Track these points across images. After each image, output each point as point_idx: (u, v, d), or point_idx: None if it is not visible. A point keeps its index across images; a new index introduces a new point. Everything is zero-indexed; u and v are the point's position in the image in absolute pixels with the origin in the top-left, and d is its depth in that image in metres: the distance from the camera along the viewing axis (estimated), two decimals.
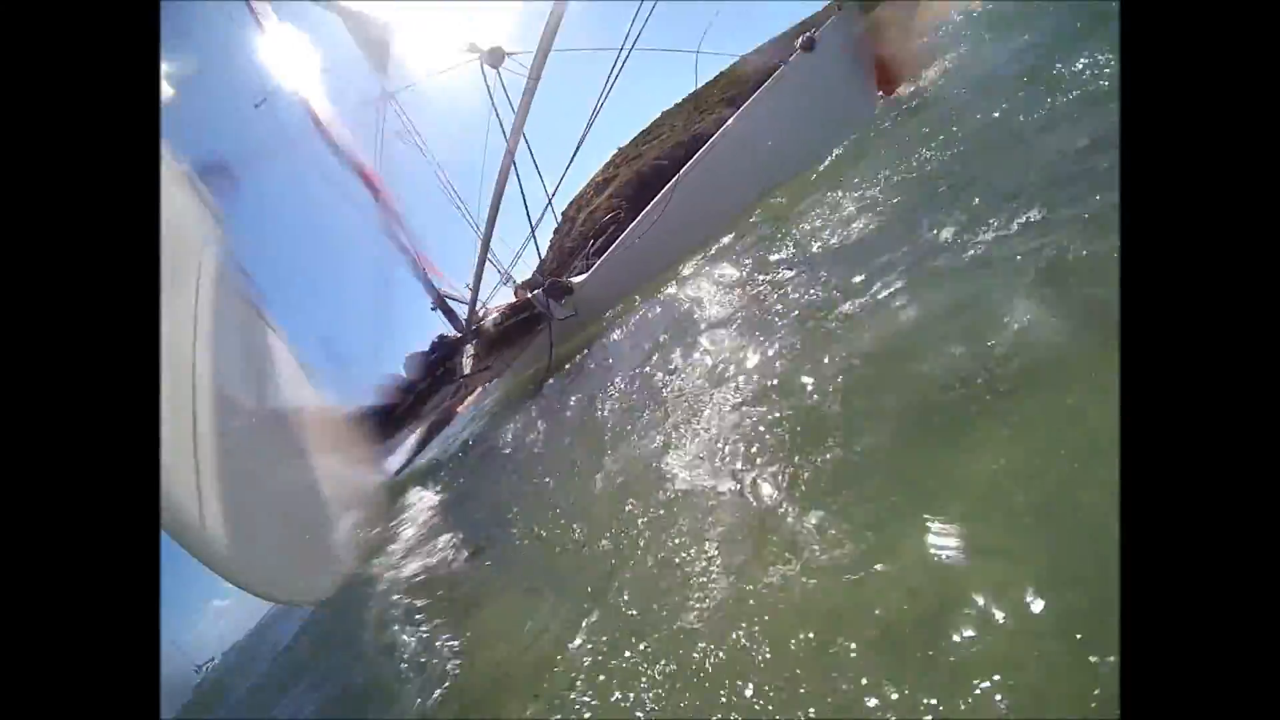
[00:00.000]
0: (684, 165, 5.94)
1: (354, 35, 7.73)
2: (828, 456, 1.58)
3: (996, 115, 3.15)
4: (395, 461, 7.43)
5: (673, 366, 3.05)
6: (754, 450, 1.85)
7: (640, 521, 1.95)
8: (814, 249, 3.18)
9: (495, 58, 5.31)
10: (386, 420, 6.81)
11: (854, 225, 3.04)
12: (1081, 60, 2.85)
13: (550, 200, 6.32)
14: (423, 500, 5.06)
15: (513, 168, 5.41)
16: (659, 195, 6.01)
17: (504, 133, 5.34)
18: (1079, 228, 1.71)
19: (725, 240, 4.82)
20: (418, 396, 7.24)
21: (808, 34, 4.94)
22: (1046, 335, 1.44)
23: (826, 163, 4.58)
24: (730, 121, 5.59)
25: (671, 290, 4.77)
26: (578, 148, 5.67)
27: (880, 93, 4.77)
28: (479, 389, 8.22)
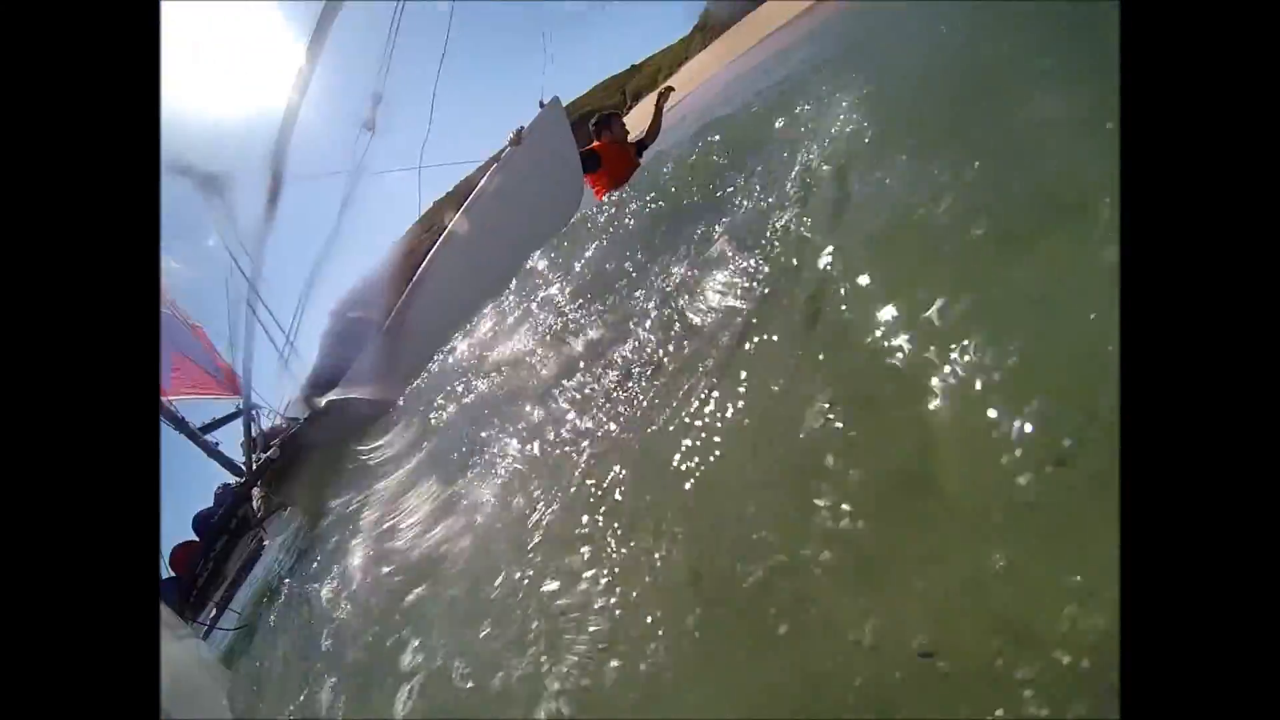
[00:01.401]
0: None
1: None
2: None
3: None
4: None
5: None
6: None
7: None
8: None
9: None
10: (191, 598, 6.42)
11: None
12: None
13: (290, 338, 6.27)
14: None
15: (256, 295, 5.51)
16: (391, 304, 6.04)
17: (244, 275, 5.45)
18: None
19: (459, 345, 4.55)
20: (218, 558, 6.85)
21: (518, 128, 5.08)
22: None
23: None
24: (453, 221, 5.70)
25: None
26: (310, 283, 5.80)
27: (599, 195, 4.83)
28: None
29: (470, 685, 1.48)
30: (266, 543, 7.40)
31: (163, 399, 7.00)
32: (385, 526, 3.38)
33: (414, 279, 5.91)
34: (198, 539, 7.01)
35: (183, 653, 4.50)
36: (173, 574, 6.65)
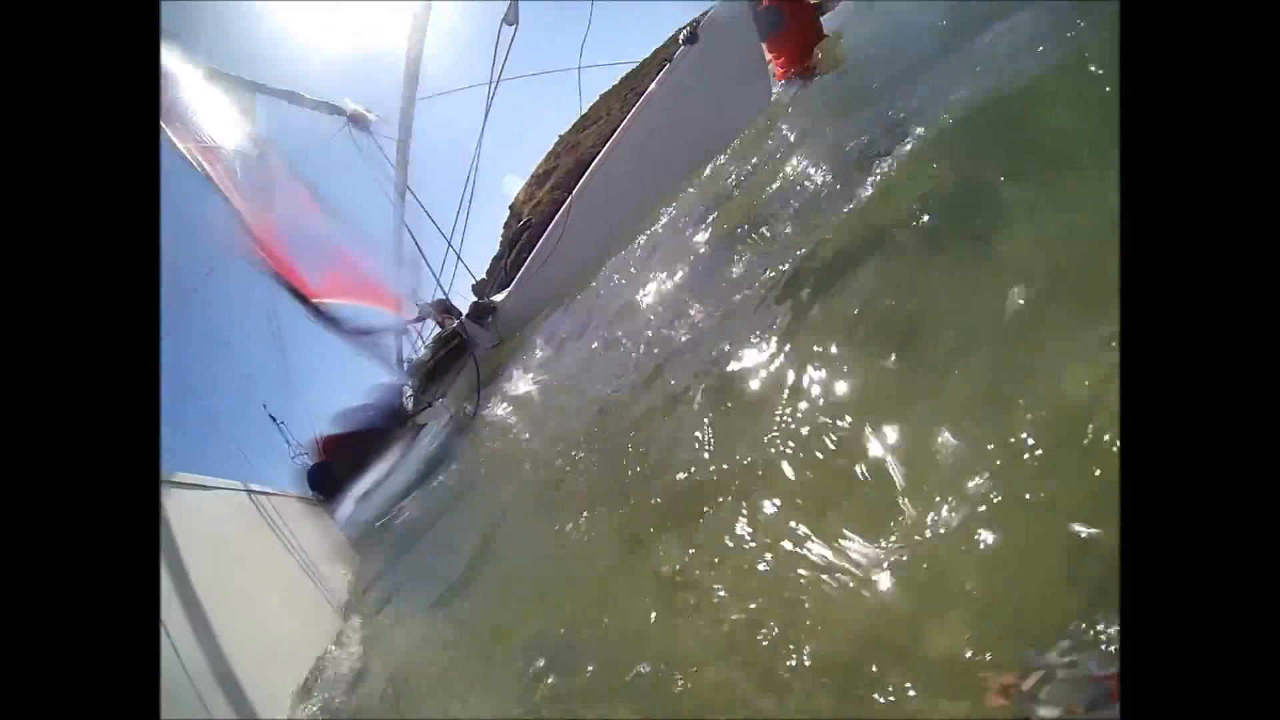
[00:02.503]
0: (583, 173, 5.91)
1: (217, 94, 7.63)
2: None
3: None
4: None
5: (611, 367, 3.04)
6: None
7: None
8: (740, 228, 3.11)
9: (361, 123, 5.32)
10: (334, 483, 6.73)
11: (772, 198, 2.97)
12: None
13: (451, 241, 6.29)
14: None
15: (404, 225, 5.44)
16: (563, 207, 5.98)
17: (386, 191, 5.35)
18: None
19: (640, 240, 4.72)
20: (378, 437, 7.19)
21: (689, 26, 4.72)
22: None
23: (727, 152, 4.44)
24: (621, 128, 5.56)
25: (590, 297, 4.75)
26: (467, 190, 5.74)
27: (780, 74, 4.49)
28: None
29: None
30: (420, 429, 7.80)
31: (320, 301, 7.41)
32: (526, 423, 3.62)
33: (578, 185, 5.76)
34: (345, 432, 7.41)
35: (319, 531, 4.70)
36: (321, 459, 7.04)
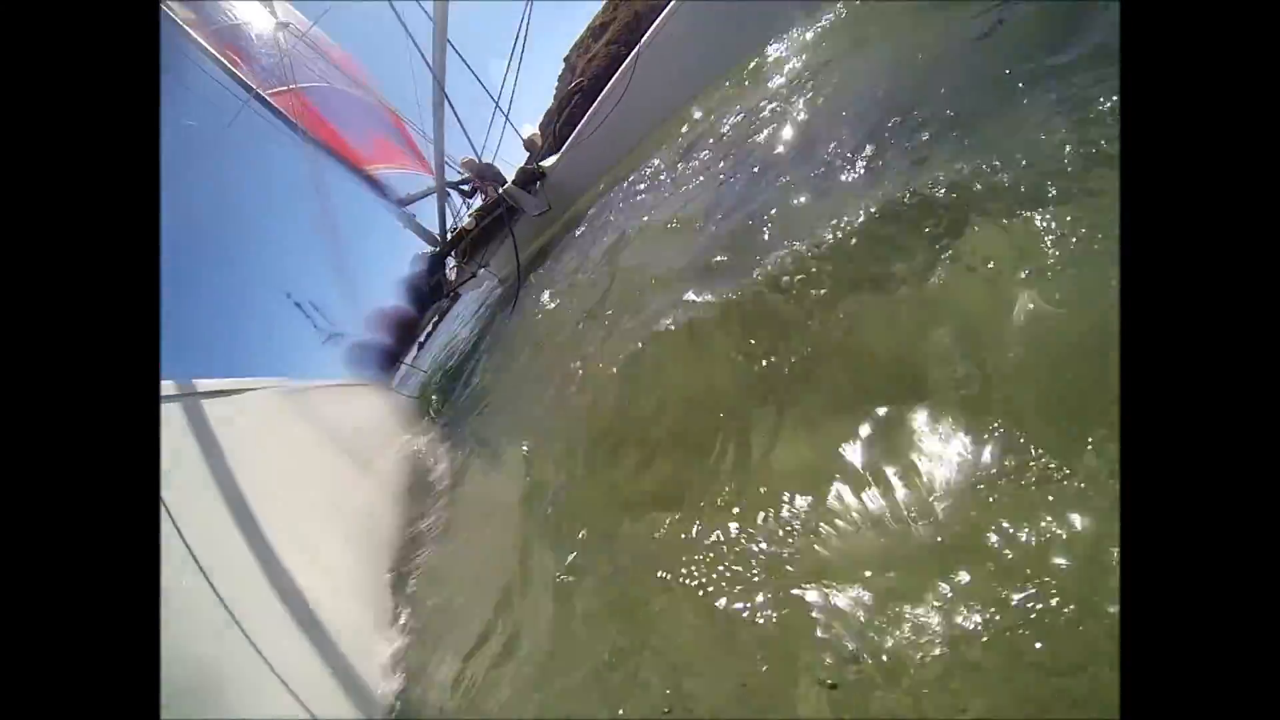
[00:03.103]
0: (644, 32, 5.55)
1: None
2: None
3: None
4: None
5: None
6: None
7: None
8: (801, 116, 3.03)
9: None
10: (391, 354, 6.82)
11: (847, 88, 2.87)
12: None
13: (499, 104, 5.86)
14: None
15: (441, 85, 5.20)
16: (621, 68, 5.64)
17: (422, 55, 5.08)
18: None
19: (697, 114, 4.57)
20: (424, 308, 7.34)
21: None
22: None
23: (805, 28, 4.30)
24: (659, 19, 5.27)
25: (645, 176, 4.62)
26: (517, 51, 5.36)
27: None
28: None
29: None
30: (462, 297, 8.12)
31: (367, 168, 7.63)
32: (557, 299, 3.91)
33: (633, 52, 5.52)
34: (392, 309, 7.53)
35: (379, 399, 4.70)
36: (375, 336, 7.14)
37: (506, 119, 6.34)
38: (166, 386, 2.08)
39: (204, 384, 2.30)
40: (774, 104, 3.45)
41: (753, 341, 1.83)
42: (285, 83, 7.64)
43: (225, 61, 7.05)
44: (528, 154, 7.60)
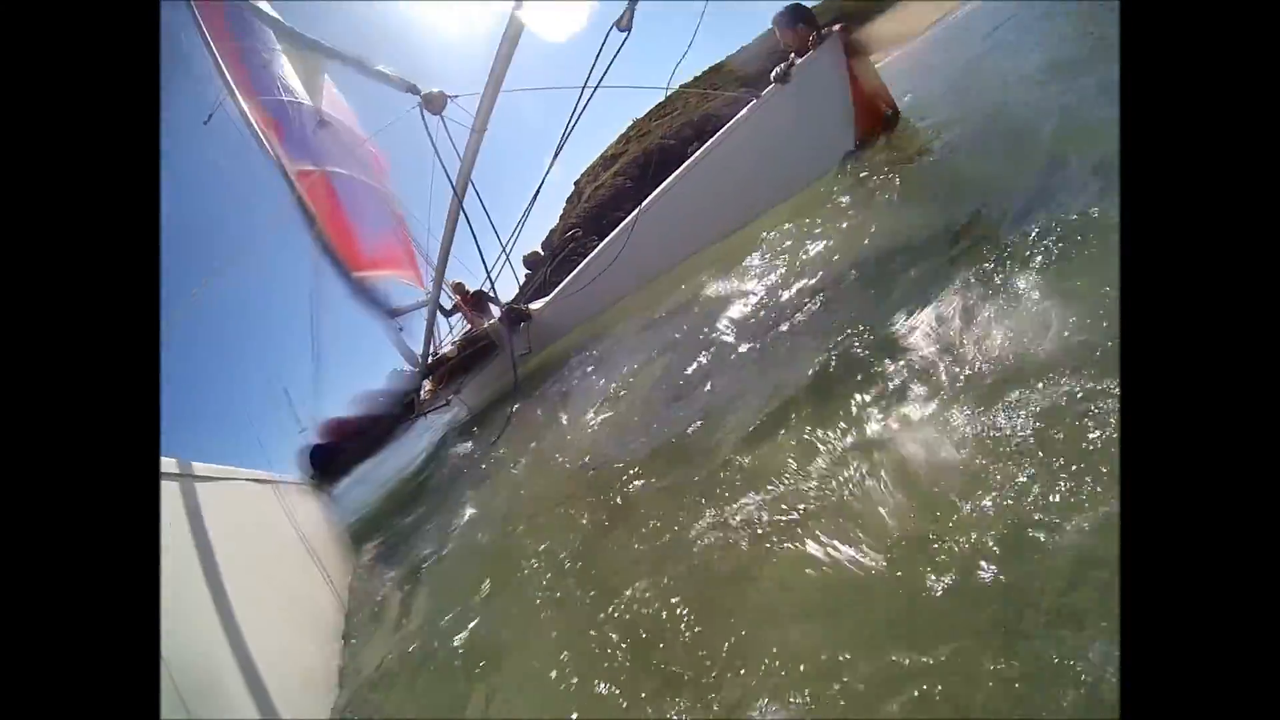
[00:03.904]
0: (652, 190, 5.69)
1: (288, 54, 7.52)
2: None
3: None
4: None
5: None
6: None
7: None
8: (807, 279, 3.00)
9: (436, 103, 5.06)
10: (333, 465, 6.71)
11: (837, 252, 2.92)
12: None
13: (506, 248, 6.02)
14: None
15: (462, 214, 5.25)
16: (621, 225, 5.77)
17: (450, 180, 5.09)
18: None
19: (704, 275, 4.51)
20: (383, 425, 7.19)
21: (783, 65, 4.58)
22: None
23: (798, 196, 4.41)
24: (697, 155, 5.37)
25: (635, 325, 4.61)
26: (534, 197, 5.50)
27: (860, 126, 4.42)
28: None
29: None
30: (422, 421, 7.79)
31: (361, 274, 7.47)
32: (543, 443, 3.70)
33: (639, 207, 5.57)
34: (350, 417, 7.37)
35: (316, 509, 4.67)
36: (324, 441, 6.92)
37: (507, 259, 6.40)
38: (167, 464, 2.19)
39: (200, 468, 2.47)
40: (751, 282, 3.45)
41: None
42: (318, 163, 7.66)
43: (262, 134, 7.10)
44: (527, 271, 7.53)
